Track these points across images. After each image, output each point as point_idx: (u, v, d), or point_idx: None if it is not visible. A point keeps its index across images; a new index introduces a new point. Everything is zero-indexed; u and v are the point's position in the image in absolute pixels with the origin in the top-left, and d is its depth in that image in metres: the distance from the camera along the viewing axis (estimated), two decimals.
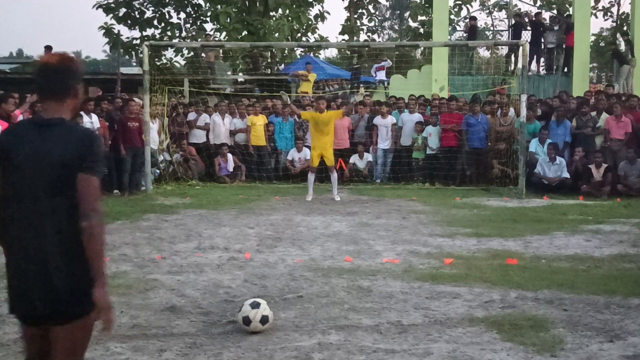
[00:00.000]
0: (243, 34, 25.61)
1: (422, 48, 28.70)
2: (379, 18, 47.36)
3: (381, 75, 22.01)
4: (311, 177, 12.85)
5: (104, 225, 2.84)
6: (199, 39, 24.09)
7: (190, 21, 28.61)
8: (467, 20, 22.08)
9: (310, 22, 28.60)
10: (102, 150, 3.00)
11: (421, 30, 30.87)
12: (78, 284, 2.83)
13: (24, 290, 2.86)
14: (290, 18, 26.99)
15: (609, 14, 37.34)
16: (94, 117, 12.82)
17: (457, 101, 15.71)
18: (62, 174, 2.83)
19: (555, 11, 26.96)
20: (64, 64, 2.99)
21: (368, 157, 15.32)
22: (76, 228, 2.80)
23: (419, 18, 31.19)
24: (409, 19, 35.33)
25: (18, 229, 2.86)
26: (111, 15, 27.18)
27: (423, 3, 30.20)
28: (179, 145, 15.22)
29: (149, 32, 27.98)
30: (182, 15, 28.40)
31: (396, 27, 53.33)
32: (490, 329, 5.03)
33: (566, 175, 13.43)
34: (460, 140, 14.90)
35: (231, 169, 15.35)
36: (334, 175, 12.80)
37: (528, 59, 15.65)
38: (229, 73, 25.06)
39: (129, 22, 27.64)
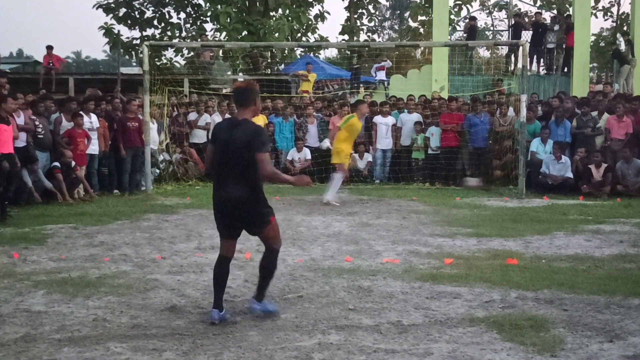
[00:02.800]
0: (243, 34, 25.63)
1: (422, 48, 28.69)
2: (379, 18, 47.36)
3: (381, 75, 22.03)
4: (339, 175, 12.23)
5: (270, 171, 5.06)
6: (199, 39, 24.09)
7: (190, 21, 28.65)
8: (467, 20, 22.09)
9: (310, 22, 28.61)
10: (266, 135, 5.28)
11: (421, 30, 30.88)
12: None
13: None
14: (290, 18, 27.01)
15: (609, 14, 37.38)
16: (93, 117, 12.82)
17: (456, 101, 15.73)
18: (245, 152, 4.98)
19: (555, 11, 26.97)
20: (248, 87, 5.25)
21: (368, 157, 15.33)
22: (254, 178, 5.06)
23: (419, 18, 31.23)
24: (409, 19, 35.37)
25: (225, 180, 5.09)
26: (111, 15, 27.22)
27: (423, 3, 30.23)
28: (179, 146, 15.23)
29: (149, 32, 28.03)
30: (182, 15, 28.44)
31: (396, 27, 53.31)
32: (491, 329, 5.03)
33: (570, 175, 13.44)
34: (462, 140, 14.91)
35: None
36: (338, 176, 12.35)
37: (528, 59, 15.66)
38: (229, 73, 25.08)
39: (129, 22, 27.68)
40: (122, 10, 27.47)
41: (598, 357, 4.49)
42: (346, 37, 32.02)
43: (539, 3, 30.75)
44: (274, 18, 27.12)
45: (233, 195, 5.03)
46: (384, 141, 15.31)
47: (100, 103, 13.76)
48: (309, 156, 15.40)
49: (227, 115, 16.01)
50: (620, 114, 13.81)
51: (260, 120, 15.80)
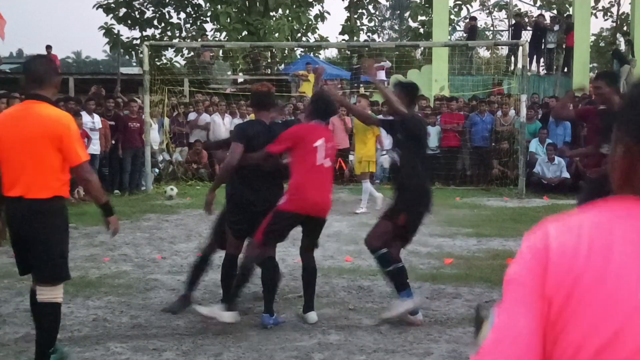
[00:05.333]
0: (243, 34, 25.63)
1: (422, 48, 28.70)
2: (379, 18, 47.24)
3: (381, 75, 22.00)
4: (366, 184, 11.21)
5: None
6: (199, 39, 24.10)
7: (190, 21, 28.62)
8: (467, 20, 22.08)
9: (310, 22, 28.59)
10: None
11: (421, 30, 30.86)
12: None
13: None
14: (290, 18, 27.00)
15: (609, 14, 37.32)
16: (96, 117, 12.80)
17: (457, 101, 15.73)
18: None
19: (555, 11, 26.96)
20: (270, 91, 5.41)
21: None
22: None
23: (419, 18, 31.16)
24: (409, 19, 35.31)
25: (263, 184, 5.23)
26: (111, 15, 27.19)
27: (423, 3, 30.19)
28: (192, 149, 15.20)
29: (149, 32, 28.00)
30: (182, 15, 28.42)
31: (396, 27, 53.27)
32: None
33: (566, 175, 13.43)
34: (463, 139, 14.90)
35: None
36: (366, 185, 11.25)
37: (528, 59, 15.67)
38: (229, 73, 25.05)
39: (129, 22, 27.65)
40: (122, 10, 27.44)
41: None
42: (346, 37, 31.99)
43: (539, 3, 30.74)
44: (274, 18, 27.11)
45: (272, 198, 5.19)
46: (384, 141, 15.26)
47: (106, 102, 13.70)
48: None
49: (227, 115, 16.02)
50: None
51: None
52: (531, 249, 1.20)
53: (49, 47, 21.36)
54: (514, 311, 1.18)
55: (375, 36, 39.58)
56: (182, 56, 28.32)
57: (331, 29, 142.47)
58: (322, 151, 5.16)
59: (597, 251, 1.14)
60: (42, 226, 3.98)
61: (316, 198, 5.12)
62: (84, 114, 12.51)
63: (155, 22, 27.88)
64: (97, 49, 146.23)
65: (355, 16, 33.70)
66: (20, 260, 4.17)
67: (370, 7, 35.59)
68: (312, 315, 5.22)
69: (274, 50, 27.55)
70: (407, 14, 40.04)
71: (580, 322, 1.13)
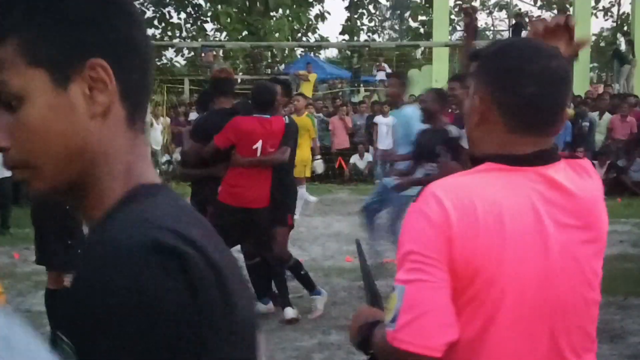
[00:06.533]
0: (243, 34, 25.66)
1: (422, 48, 28.73)
2: (379, 18, 47.28)
3: (381, 75, 22.04)
4: (301, 190, 10.19)
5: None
6: (199, 39, 24.13)
7: (191, 21, 28.64)
8: None
9: (310, 22, 28.61)
10: None
11: (421, 30, 30.89)
12: None
13: None
14: (290, 18, 27.01)
15: (609, 14, 37.34)
16: None
17: None
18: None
19: (555, 11, 26.96)
20: (223, 77, 5.44)
21: (368, 157, 15.33)
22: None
23: (419, 18, 31.21)
24: (409, 19, 35.35)
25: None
26: None
27: (423, 3, 30.23)
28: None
29: (149, 32, 27.96)
30: (183, 15, 28.45)
31: (396, 27, 53.29)
32: None
33: None
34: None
35: None
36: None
37: None
38: None
39: None
40: None
41: (598, 357, 4.48)
42: (346, 37, 32.01)
43: (539, 3, 30.76)
44: (274, 18, 27.13)
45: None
46: (384, 141, 15.27)
47: None
48: None
49: None
50: (624, 114, 13.81)
51: None
52: (431, 222, 1.23)
53: None
54: (427, 286, 1.21)
55: (375, 36, 39.65)
56: (182, 56, 28.37)
57: (331, 29, 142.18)
58: (259, 152, 5.08)
59: (492, 227, 1.22)
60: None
61: (252, 191, 5.06)
62: None
63: (156, 22, 27.90)
64: None
65: (356, 16, 33.73)
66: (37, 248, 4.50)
67: (370, 7, 35.63)
68: (287, 311, 5.23)
69: (274, 50, 27.58)
70: (407, 14, 40.07)
71: (488, 295, 1.22)
